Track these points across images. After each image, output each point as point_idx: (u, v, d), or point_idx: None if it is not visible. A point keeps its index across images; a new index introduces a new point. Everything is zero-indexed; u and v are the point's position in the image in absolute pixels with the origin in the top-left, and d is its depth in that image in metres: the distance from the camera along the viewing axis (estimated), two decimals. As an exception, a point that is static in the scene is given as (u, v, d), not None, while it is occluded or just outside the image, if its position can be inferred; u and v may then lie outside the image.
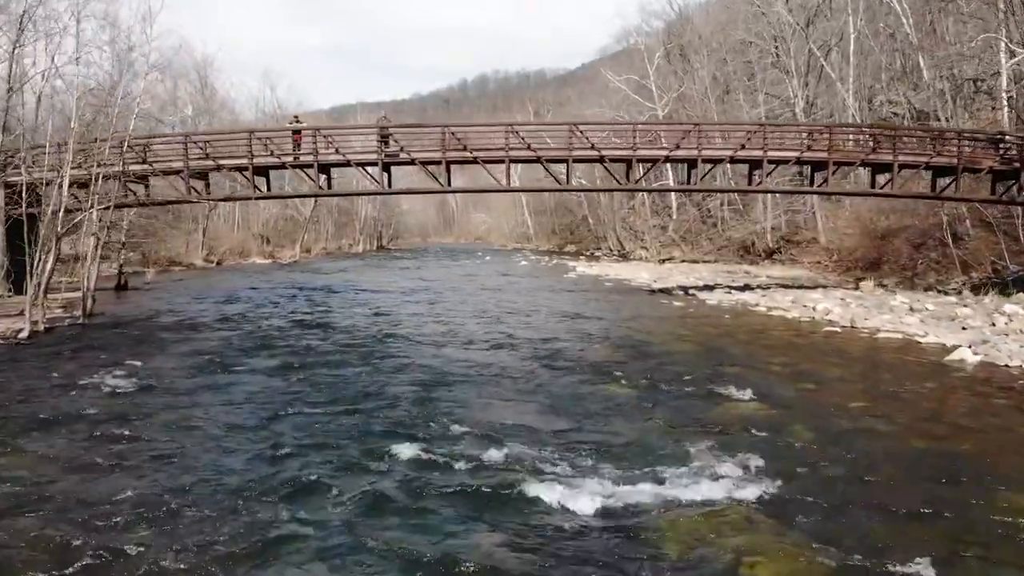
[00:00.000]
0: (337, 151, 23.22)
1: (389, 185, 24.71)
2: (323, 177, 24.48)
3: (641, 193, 60.65)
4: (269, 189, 25.02)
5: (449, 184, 23.45)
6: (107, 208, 21.82)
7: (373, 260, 55.07)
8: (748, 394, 10.77)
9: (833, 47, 44.15)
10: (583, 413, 9.91)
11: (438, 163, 23.10)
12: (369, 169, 23.59)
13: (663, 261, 51.33)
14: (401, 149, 23.24)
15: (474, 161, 23.22)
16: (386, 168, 23.80)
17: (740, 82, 50.72)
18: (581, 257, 60.52)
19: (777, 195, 46.28)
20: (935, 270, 30.09)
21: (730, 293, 24.96)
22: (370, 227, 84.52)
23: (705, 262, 48.39)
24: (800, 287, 26.78)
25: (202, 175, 24.09)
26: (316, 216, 70.30)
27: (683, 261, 50.23)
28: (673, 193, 53.45)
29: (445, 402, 10.56)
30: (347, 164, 23.40)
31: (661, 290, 27.10)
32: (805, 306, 21.23)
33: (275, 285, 30.03)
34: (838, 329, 17.34)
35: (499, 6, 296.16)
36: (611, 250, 65.10)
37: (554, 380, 12.01)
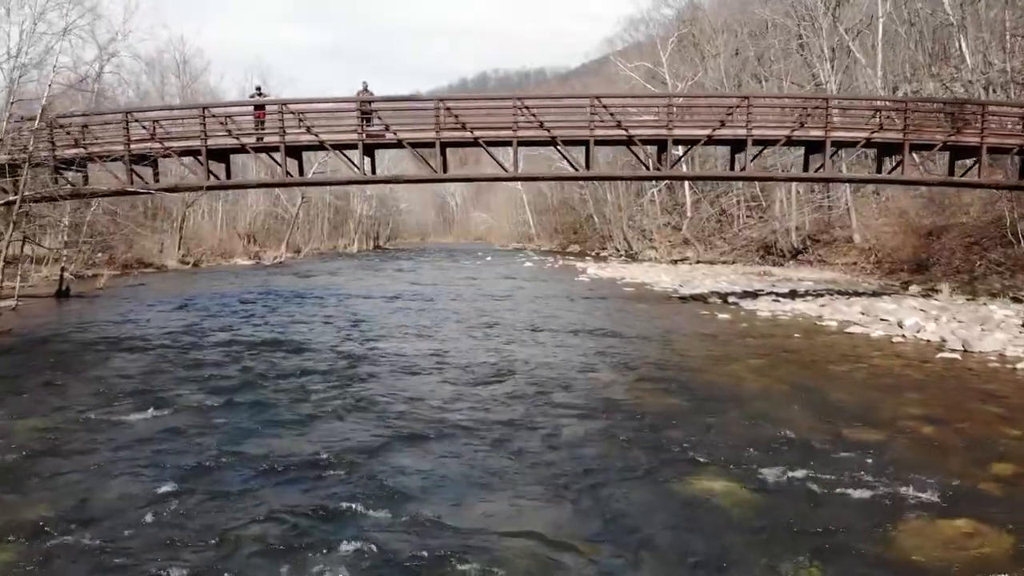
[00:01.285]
0: (309, 131, 18.75)
1: (372, 172, 20.17)
2: (295, 163, 20.07)
3: (651, 190, 56.34)
4: (229, 177, 20.51)
5: (444, 170, 18.95)
6: (24, 201, 17.44)
7: (366, 261, 50.53)
8: (929, 496, 6.31)
9: (862, 31, 39.85)
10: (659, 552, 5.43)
11: (431, 145, 18.65)
12: (349, 153, 19.15)
13: (676, 262, 46.92)
14: (387, 128, 18.76)
15: (474, 143, 18.71)
16: (369, 152, 19.33)
17: (761, 68, 46.26)
18: (587, 257, 56.08)
19: (800, 190, 42.03)
20: (998, 273, 25.72)
21: (779, 301, 20.48)
22: (366, 226, 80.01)
23: (722, 263, 44.02)
24: (856, 294, 22.31)
25: (152, 161, 19.57)
26: (309, 214, 65.83)
27: (698, 262, 45.83)
28: (688, 189, 48.94)
29: (410, 492, 6.16)
30: (320, 147, 18.89)
31: (693, 297, 22.62)
32: (884, 320, 16.77)
33: (246, 290, 25.55)
34: (954, 356, 12.84)
35: (499, 6, 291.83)
36: (617, 250, 60.72)
37: (589, 453, 7.58)
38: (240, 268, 40.19)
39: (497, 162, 19.45)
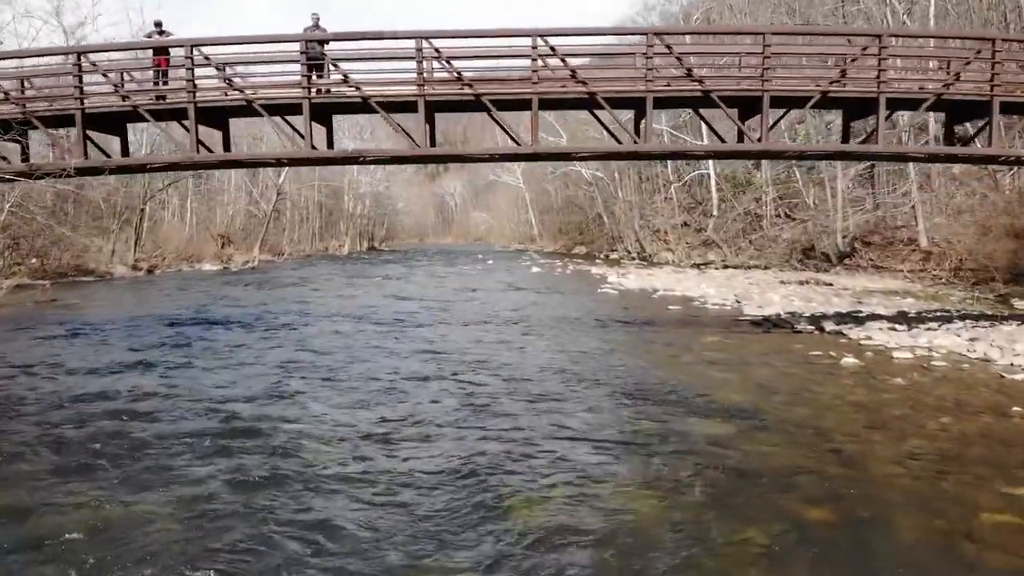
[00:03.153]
0: (231, 84, 12.37)
1: (329, 146, 13.70)
2: (220, 133, 13.69)
3: (672, 186, 50.00)
4: (127, 153, 14.10)
5: (432, 143, 12.55)
6: None
7: (354, 265, 44.05)
8: None
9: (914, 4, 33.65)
10: None
11: (411, 107, 12.31)
12: (294, 120, 12.80)
13: (699, 266, 40.61)
14: (345, 79, 12.35)
15: (476, 104, 12.36)
16: (321, 116, 12.97)
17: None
18: (597, 260, 49.70)
19: (852, 183, 35.83)
20: None
21: (896, 330, 14.07)
22: (360, 226, 73.62)
23: (754, 267, 37.71)
24: (970, 316, 15.94)
25: (19, 132, 13.18)
26: (297, 213, 59.41)
27: (725, 266, 39.50)
28: (714, 184, 42.50)
29: None
30: (248, 109, 12.48)
31: (771, 321, 16.25)
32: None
33: (178, 310, 19.13)
34: None
35: (495, 5, 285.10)
36: (628, 252, 54.40)
37: None
38: (204, 274, 33.77)
39: (510, 134, 13.08)
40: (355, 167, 70.07)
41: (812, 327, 15.08)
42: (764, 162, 43.20)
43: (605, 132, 14.19)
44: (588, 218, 66.08)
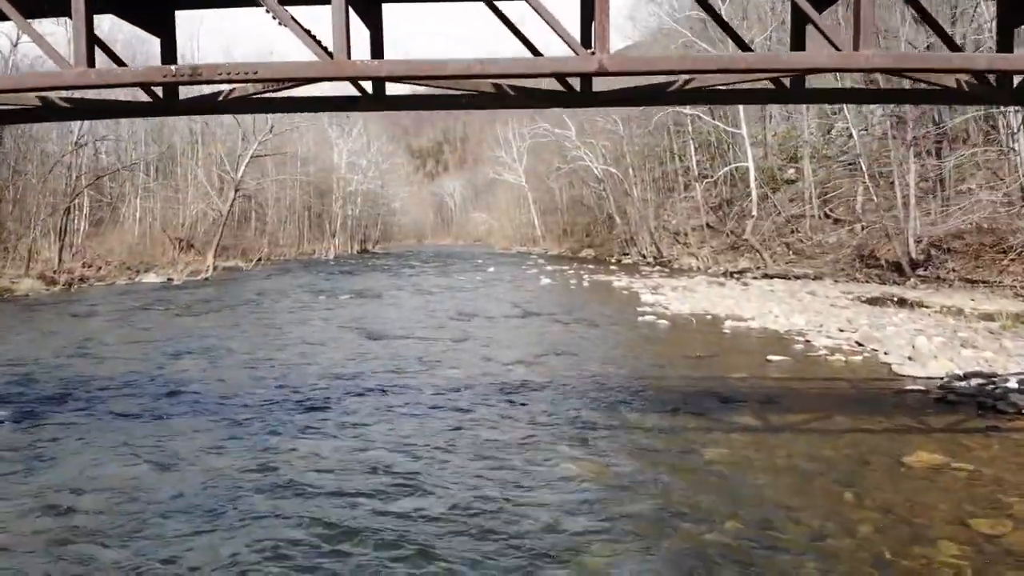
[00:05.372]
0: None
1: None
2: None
3: (697, 183, 42.96)
4: None
5: (348, 52, 5.62)
6: None
7: (332, 275, 36.89)
8: None
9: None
10: None
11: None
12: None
13: (733, 275, 33.64)
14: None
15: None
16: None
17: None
18: (611, 266, 42.74)
19: (931, 177, 28.90)
20: None
21: None
22: (351, 228, 66.60)
23: (802, 277, 30.70)
24: None
25: None
26: (281, 214, 52.39)
27: (765, 276, 32.48)
28: (753, 180, 35.39)
29: None
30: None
31: (948, 391, 9.27)
32: None
33: (28, 360, 12.16)
34: None
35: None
36: (643, 256, 47.49)
37: None
38: (138, 289, 26.70)
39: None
40: (343, 164, 63.02)
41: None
42: (807, 154, 36.28)
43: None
44: (597, 219, 59.17)
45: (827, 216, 36.95)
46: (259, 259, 40.99)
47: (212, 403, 9.40)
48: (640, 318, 17.12)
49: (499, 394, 9.71)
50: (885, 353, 12.32)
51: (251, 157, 34.34)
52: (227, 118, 38.97)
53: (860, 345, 13.20)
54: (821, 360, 12.02)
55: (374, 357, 12.63)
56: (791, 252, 36.68)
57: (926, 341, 12.70)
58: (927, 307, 20.13)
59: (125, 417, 8.73)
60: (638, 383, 10.18)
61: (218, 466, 6.89)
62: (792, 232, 37.79)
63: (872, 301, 21.58)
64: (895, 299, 21.96)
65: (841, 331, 14.67)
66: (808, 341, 13.60)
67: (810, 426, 8.24)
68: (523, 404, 9.14)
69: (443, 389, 10.06)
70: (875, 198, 29.81)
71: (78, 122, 29.92)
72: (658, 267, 40.55)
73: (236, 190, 33.91)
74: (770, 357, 11.94)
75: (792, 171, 40.05)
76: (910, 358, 11.80)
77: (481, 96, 6.63)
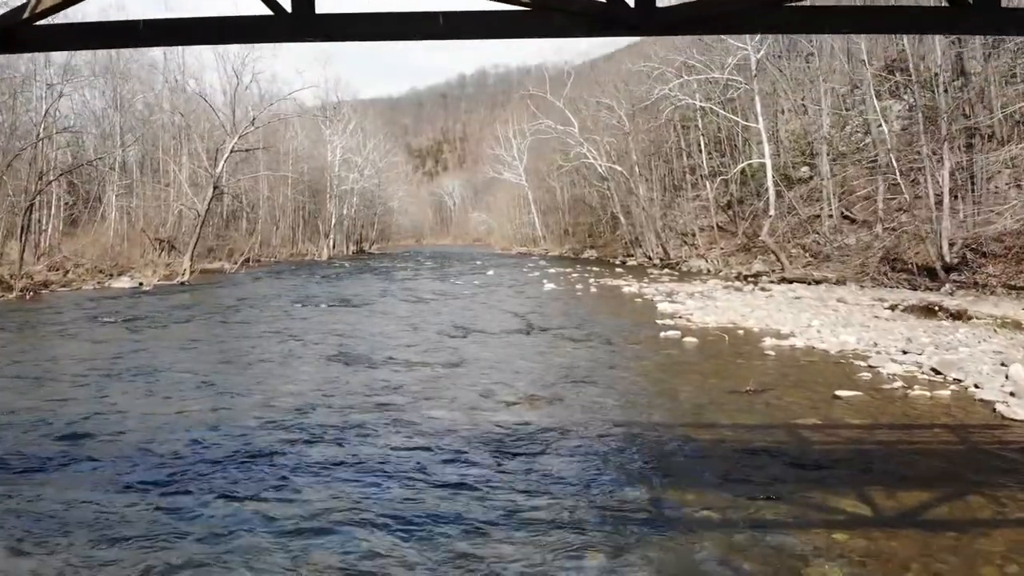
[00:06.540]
0: None
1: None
2: None
3: (708, 180, 40.39)
4: None
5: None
6: None
7: (321, 279, 34.29)
8: None
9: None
10: None
11: None
12: None
13: (747, 278, 31.11)
14: None
15: None
16: None
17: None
18: (616, 268, 40.17)
19: (973, 173, 26.32)
20: None
21: None
22: (347, 228, 63.95)
23: (824, 282, 28.14)
24: None
25: None
26: (274, 214, 49.80)
27: (783, 280, 29.90)
28: (769, 176, 32.73)
29: None
30: None
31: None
32: None
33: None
34: None
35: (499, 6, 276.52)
36: (649, 258, 44.93)
37: None
38: (106, 294, 24.13)
39: None
40: (337, 160, 60.35)
41: None
42: (823, 150, 33.69)
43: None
44: (600, 219, 56.55)
45: (844, 216, 34.41)
46: (245, 260, 38.28)
47: (111, 454, 6.83)
48: (662, 333, 14.47)
49: (492, 452, 7.11)
50: (976, 386, 9.73)
51: (232, 151, 31.74)
52: (211, 112, 36.41)
53: (937, 373, 10.60)
54: (899, 396, 9.40)
55: (341, 390, 10.04)
56: (808, 254, 34.16)
57: (1022, 369, 10.10)
58: (978, 319, 17.54)
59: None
60: (680, 437, 7.56)
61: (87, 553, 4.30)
62: (808, 233, 35.22)
63: (915, 311, 19.00)
64: (938, 308, 19.34)
65: (904, 353, 12.07)
66: (872, 367, 10.98)
67: (935, 513, 5.65)
68: (525, 472, 6.53)
69: (417, 442, 7.46)
70: (907, 196, 27.19)
71: (42, 111, 27.36)
72: (666, 269, 38.04)
73: (215, 187, 31.25)
74: (838, 393, 9.31)
75: (805, 169, 37.59)
76: (1012, 394, 9.22)
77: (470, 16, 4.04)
